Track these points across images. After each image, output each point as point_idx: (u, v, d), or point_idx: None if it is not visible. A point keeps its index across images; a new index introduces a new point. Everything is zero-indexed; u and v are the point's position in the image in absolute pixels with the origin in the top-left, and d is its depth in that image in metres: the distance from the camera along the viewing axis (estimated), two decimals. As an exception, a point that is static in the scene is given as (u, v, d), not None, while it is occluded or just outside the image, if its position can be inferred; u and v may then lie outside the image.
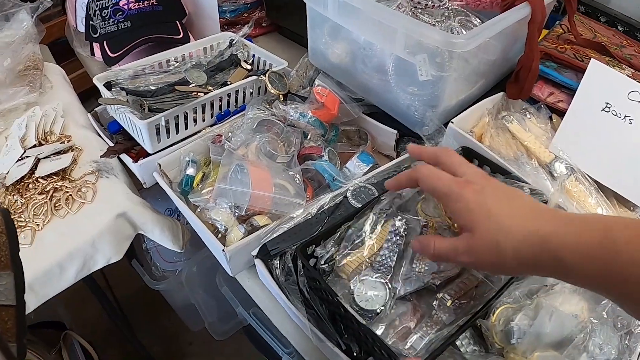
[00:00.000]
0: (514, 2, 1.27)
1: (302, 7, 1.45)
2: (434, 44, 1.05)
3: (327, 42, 1.34)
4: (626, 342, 0.90)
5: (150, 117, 1.13)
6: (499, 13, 1.21)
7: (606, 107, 1.21)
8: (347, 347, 0.83)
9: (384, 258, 0.88)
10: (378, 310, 0.82)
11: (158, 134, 1.17)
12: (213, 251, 1.05)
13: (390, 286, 0.85)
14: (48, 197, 1.21)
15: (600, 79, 1.23)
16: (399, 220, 0.91)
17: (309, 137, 1.20)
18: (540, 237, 0.63)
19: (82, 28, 1.69)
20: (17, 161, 1.30)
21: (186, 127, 1.23)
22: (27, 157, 1.30)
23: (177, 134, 1.22)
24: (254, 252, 0.97)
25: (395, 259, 0.88)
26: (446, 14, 1.30)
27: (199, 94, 1.21)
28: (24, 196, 1.23)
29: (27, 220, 1.18)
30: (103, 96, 1.25)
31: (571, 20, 1.42)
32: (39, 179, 1.25)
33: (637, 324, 0.91)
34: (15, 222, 1.17)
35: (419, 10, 1.28)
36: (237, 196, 1.03)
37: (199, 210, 1.07)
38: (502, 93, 1.33)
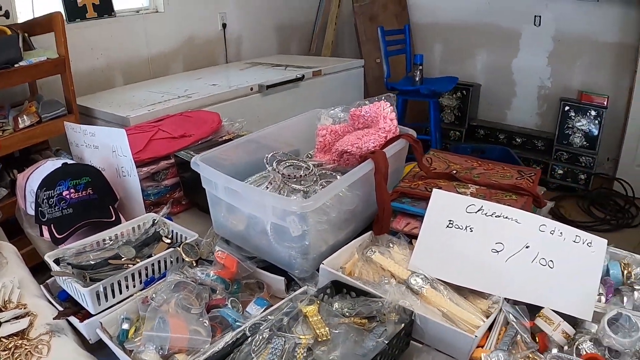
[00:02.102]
0: (365, 159, 1.71)
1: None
2: (286, 209, 1.49)
3: (225, 216, 1.77)
4: None
5: (91, 285, 1.50)
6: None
7: (449, 223, 1.55)
8: None
9: None
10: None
11: (98, 298, 1.53)
12: (143, 385, 1.39)
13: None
14: (10, 353, 1.54)
15: (442, 203, 1.59)
16: (278, 339, 1.29)
17: (217, 291, 1.58)
18: None
19: (31, 211, 2.05)
20: (-19, 328, 1.62)
21: (120, 292, 1.59)
22: (-10, 323, 1.63)
23: (113, 297, 1.58)
24: None
25: None
26: (314, 179, 1.74)
27: (128, 265, 1.60)
28: (-11, 355, 1.55)
29: (-8, 376, 1.50)
30: (53, 270, 1.61)
31: (420, 162, 1.86)
32: (2, 339, 1.58)
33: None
34: (-17, 376, 1.49)
35: (293, 181, 1.71)
36: (160, 340, 1.39)
37: (132, 354, 1.42)
38: (370, 232, 1.71)
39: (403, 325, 1.31)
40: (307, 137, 2.10)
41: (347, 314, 1.39)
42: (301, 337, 1.31)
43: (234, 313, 1.52)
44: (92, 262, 1.63)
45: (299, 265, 1.62)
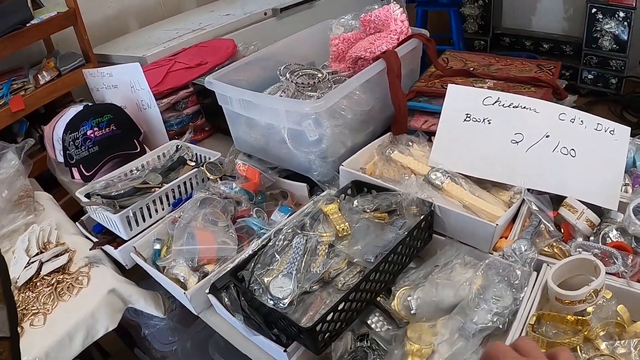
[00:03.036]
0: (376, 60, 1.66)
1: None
2: (299, 112, 1.46)
3: (245, 131, 1.75)
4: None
5: (120, 212, 1.52)
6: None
7: (467, 117, 1.52)
8: (277, 337, 1.18)
9: (290, 265, 1.23)
10: (287, 299, 1.17)
11: (129, 223, 1.55)
12: (177, 296, 1.41)
13: (294, 281, 1.19)
14: (54, 288, 1.57)
15: (458, 96, 1.55)
16: (299, 237, 1.29)
17: (241, 203, 1.58)
18: None
19: (61, 158, 2.07)
20: (24, 268, 1.66)
21: (150, 216, 1.61)
22: (32, 262, 1.67)
23: (144, 222, 1.60)
24: (207, 290, 1.32)
25: (296, 265, 1.23)
26: (329, 85, 1.71)
27: (155, 190, 1.61)
28: (34, 291, 1.59)
29: (39, 307, 1.53)
30: (82, 201, 1.62)
31: (434, 59, 1.80)
32: (44, 277, 1.62)
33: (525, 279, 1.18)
34: (29, 311, 1.53)
35: (307, 88, 1.68)
36: (189, 253, 1.40)
37: (165, 270, 1.44)
38: (389, 133, 1.69)
39: (423, 216, 1.30)
40: (321, 49, 2.06)
41: (367, 209, 1.39)
42: (322, 234, 1.32)
43: (259, 222, 1.52)
44: (121, 192, 1.64)
45: (319, 168, 1.61)
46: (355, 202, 1.42)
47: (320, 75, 1.73)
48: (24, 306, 1.55)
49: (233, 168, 1.75)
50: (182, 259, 1.40)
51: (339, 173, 1.56)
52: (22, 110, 2.37)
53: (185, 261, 1.40)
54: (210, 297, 1.31)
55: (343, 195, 1.47)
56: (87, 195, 1.65)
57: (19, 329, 1.47)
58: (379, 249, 1.25)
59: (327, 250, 1.29)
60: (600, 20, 4.30)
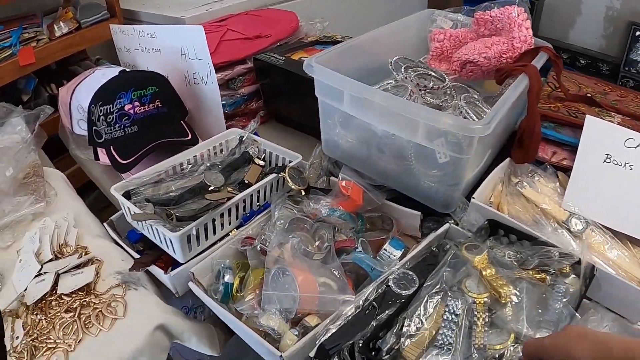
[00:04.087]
0: (510, 73, 1.36)
1: (299, 95, 1.46)
2: (455, 131, 1.09)
3: (340, 133, 1.36)
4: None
5: (180, 228, 1.12)
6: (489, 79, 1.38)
7: (607, 158, 1.29)
8: None
9: (443, 337, 0.93)
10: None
11: (188, 241, 1.16)
12: (266, 357, 1.04)
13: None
14: (76, 315, 1.18)
15: (597, 133, 1.32)
16: (453, 299, 0.97)
17: (336, 229, 1.20)
18: None
19: (79, 131, 1.68)
20: (34, 278, 1.27)
21: (214, 233, 1.22)
22: (46, 272, 1.27)
23: (206, 240, 1.20)
24: (312, 354, 0.96)
25: (454, 337, 0.93)
26: (448, 92, 1.35)
27: (220, 197, 1.21)
28: (48, 315, 1.19)
29: (56, 341, 1.14)
30: (132, 214, 1.21)
31: (559, 79, 1.51)
32: (62, 296, 1.22)
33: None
34: (44, 345, 1.14)
35: (422, 92, 1.33)
36: (284, 300, 1.02)
37: (245, 317, 1.06)
38: (508, 159, 1.38)
39: (586, 283, 1.05)
40: (417, 42, 1.71)
41: (514, 262, 1.09)
42: (477, 297, 0.99)
43: (368, 259, 1.15)
44: (173, 195, 1.24)
45: (443, 197, 1.25)
46: (506, 253, 1.10)
47: (436, 77, 1.37)
48: (35, 334, 1.16)
49: (317, 176, 1.37)
50: (273, 307, 1.02)
51: (461, 203, 1.25)
52: (31, 65, 1.96)
53: (279, 311, 1.02)
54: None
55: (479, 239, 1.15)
56: (127, 195, 1.26)
57: None
58: (552, 325, 0.97)
59: (486, 320, 0.96)
60: (643, 43, 4.08)
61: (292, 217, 1.19)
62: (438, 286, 1.00)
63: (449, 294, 0.98)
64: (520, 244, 1.14)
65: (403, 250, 1.19)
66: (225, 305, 1.11)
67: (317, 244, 1.16)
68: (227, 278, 1.13)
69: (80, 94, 1.66)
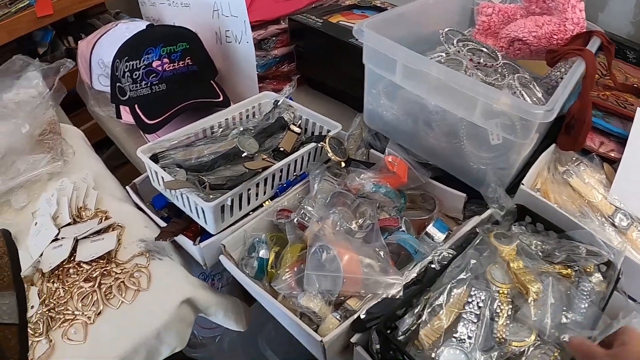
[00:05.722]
0: (564, 56, 1.28)
1: (338, 60, 1.37)
2: (517, 114, 1.00)
3: (385, 104, 1.26)
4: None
5: (215, 198, 1.03)
6: (537, 60, 1.33)
7: None
8: None
9: (463, 327, 0.88)
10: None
11: (222, 212, 1.07)
12: (304, 340, 0.96)
13: (471, 357, 0.85)
14: (96, 285, 1.09)
15: None
16: (477, 290, 0.92)
17: (383, 208, 1.12)
18: None
19: (99, 86, 1.59)
20: (51, 243, 1.18)
21: (248, 203, 1.13)
22: (63, 238, 1.18)
23: (240, 210, 1.11)
24: (354, 339, 0.91)
25: (475, 329, 0.88)
26: (499, 70, 1.25)
27: (255, 165, 1.11)
28: (66, 283, 1.11)
29: (75, 312, 1.06)
30: (165, 181, 1.10)
31: (610, 67, 1.41)
32: (82, 264, 1.13)
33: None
34: (62, 315, 1.05)
35: (483, 72, 1.23)
36: (327, 281, 0.94)
37: (282, 297, 0.97)
38: (554, 145, 1.29)
39: (613, 281, 0.98)
40: (460, 14, 1.58)
41: (539, 254, 1.02)
42: (500, 286, 0.93)
43: (413, 239, 1.07)
44: (205, 160, 1.15)
45: (491, 181, 1.14)
46: (532, 242, 1.03)
47: (488, 53, 1.26)
48: (52, 304, 1.07)
49: (357, 147, 1.28)
50: (314, 288, 0.93)
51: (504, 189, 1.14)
52: (49, 16, 1.86)
53: (320, 292, 0.93)
54: (359, 349, 0.89)
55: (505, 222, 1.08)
56: (154, 158, 1.16)
57: (43, 339, 1.00)
58: (577, 326, 0.90)
59: (509, 312, 0.91)
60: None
61: (334, 192, 1.10)
62: (464, 274, 0.95)
63: (474, 283, 0.93)
64: (546, 234, 1.07)
65: (447, 233, 1.11)
66: (259, 282, 1.02)
67: (358, 221, 1.07)
68: (262, 253, 1.05)
69: (101, 48, 1.56)
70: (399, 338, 0.89)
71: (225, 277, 1.64)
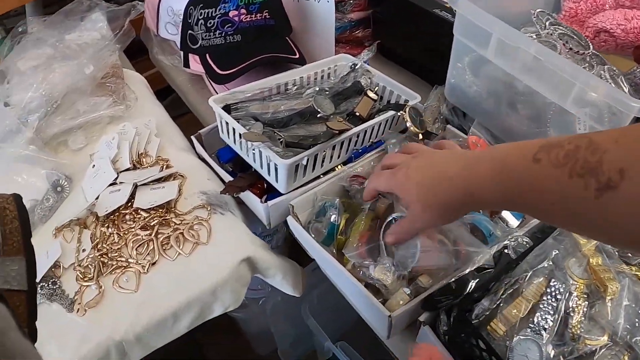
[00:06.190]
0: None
1: (420, 31, 1.37)
2: (614, 105, 0.92)
3: (469, 80, 1.19)
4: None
5: (289, 156, 0.97)
6: (622, 54, 1.25)
7: None
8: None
9: (539, 319, 0.84)
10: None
11: (295, 172, 1.01)
12: (367, 313, 0.90)
13: (544, 350, 0.81)
14: (153, 234, 1.05)
15: None
16: (557, 282, 0.87)
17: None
18: (449, 179, 0.71)
19: (165, 34, 1.54)
20: (108, 186, 1.14)
21: (322, 165, 1.06)
22: (122, 182, 1.14)
23: (312, 171, 1.05)
24: (422, 318, 0.87)
25: (551, 322, 0.84)
26: (587, 60, 1.17)
27: (332, 127, 1.05)
28: (121, 230, 1.07)
29: (128, 260, 1.02)
30: (242, 133, 1.02)
31: None
32: (140, 211, 1.09)
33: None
34: (115, 262, 1.01)
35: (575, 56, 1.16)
36: (401, 254, 0.88)
37: (351, 266, 0.91)
38: None
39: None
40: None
41: (616, 252, 0.96)
42: (578, 280, 0.88)
43: (488, 222, 1.00)
44: (280, 116, 1.09)
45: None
46: None
47: (578, 41, 1.18)
48: (104, 249, 1.03)
49: (434, 120, 1.21)
50: (388, 261, 0.87)
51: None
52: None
53: (394, 265, 0.87)
54: (426, 329, 0.85)
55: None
56: (227, 108, 1.10)
57: (93, 284, 0.98)
58: None
59: (585, 309, 0.86)
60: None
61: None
62: (545, 263, 0.90)
63: (555, 274, 0.88)
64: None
65: (521, 220, 1.04)
66: (328, 248, 0.96)
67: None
68: (333, 218, 0.98)
69: (170, -5, 1.50)
70: (473, 322, 0.84)
71: (276, 239, 1.59)
